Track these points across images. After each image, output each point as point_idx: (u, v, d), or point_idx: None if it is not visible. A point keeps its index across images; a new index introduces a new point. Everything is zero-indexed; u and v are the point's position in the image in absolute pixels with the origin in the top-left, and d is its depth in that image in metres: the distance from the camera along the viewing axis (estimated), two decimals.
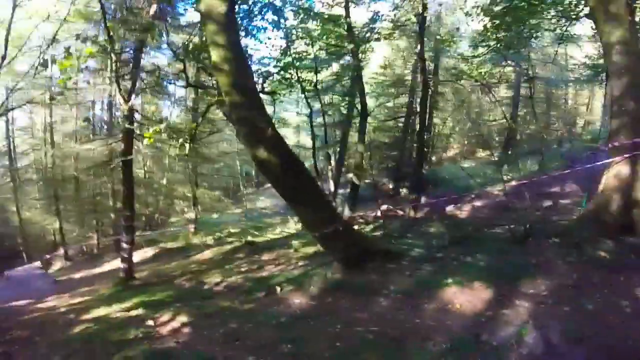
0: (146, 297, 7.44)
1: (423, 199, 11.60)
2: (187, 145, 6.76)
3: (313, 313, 4.70)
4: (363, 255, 5.62)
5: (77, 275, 14.05)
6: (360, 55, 11.98)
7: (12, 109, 16.32)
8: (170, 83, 13.30)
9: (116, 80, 9.62)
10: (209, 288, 7.39)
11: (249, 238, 11.77)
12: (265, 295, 5.83)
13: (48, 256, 20.33)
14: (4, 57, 10.97)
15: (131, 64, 9.81)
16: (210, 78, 8.53)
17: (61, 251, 20.47)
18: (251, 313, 5.24)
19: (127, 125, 9.16)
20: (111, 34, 8.09)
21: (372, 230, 8.41)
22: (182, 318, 5.69)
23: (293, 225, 12.60)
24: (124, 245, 9.35)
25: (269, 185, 34.55)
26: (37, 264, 16.86)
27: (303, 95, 12.08)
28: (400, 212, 10.78)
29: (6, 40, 10.51)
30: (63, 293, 10.18)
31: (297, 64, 11.06)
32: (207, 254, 11.42)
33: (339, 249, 5.70)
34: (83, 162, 19.50)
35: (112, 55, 8.89)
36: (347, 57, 13.55)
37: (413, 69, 18.74)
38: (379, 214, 10.62)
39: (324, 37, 11.81)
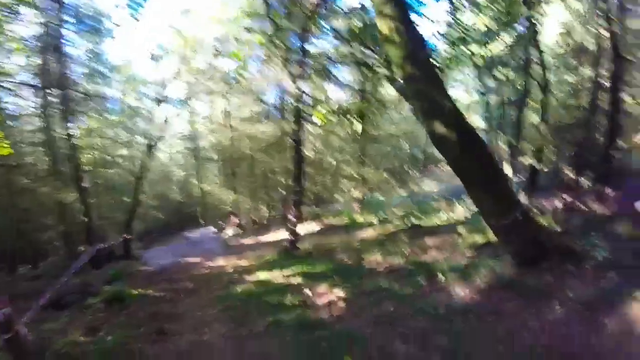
0: (307, 268, 9.36)
1: (611, 192, 9.87)
2: (357, 124, 7.61)
3: (476, 309, 5.16)
4: (540, 252, 5.40)
5: (245, 242, 17.30)
6: (534, 21, 11.04)
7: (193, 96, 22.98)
8: (335, 68, 15.09)
9: (285, 65, 11.69)
10: (369, 267, 8.59)
11: (414, 221, 12.12)
12: (426, 281, 6.53)
13: (222, 223, 24.97)
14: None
15: (298, 50, 11.51)
16: (376, 57, 9.18)
17: (235, 220, 26.30)
18: (409, 298, 6.08)
19: (297, 105, 10.77)
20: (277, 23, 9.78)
21: (548, 225, 7.69)
22: (339, 292, 6.97)
23: (460, 212, 12.36)
24: (291, 218, 11.29)
25: (434, 168, 34.48)
26: (212, 229, 21.27)
27: (473, 72, 11.44)
28: (583, 206, 9.42)
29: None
30: (232, 256, 12.85)
31: (465, 37, 10.73)
32: (370, 233, 12.94)
33: (515, 242, 5.65)
34: (257, 142, 24.71)
35: (280, 43, 10.58)
36: (521, 27, 12.56)
37: (597, 34, 15.57)
38: (559, 205, 9.60)
39: (494, 4, 11.04)
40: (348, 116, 18.42)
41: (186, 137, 31.71)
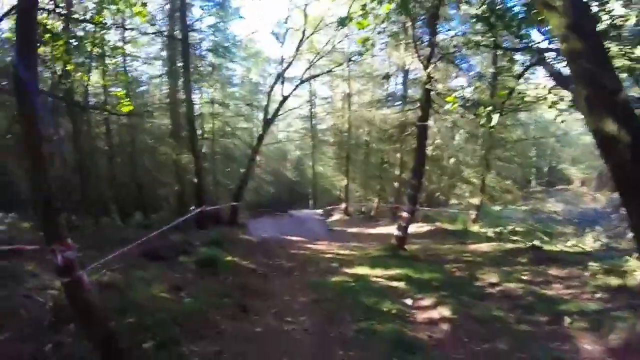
0: (412, 272, 8.23)
1: None
2: (494, 117, 6.16)
3: None
4: None
5: (350, 230, 16.57)
6: None
7: (313, 77, 22.52)
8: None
9: (414, 44, 10.63)
10: (481, 286, 7.40)
11: (535, 242, 10.36)
12: (548, 322, 5.40)
13: (330, 208, 24.60)
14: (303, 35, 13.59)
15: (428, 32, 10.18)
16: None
17: (342, 206, 26.07)
18: (526, 337, 4.90)
19: (427, 87, 9.43)
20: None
21: None
22: (444, 311, 5.88)
23: (590, 242, 10.38)
24: (404, 214, 10.37)
25: (561, 187, 30.33)
26: (318, 211, 20.91)
27: None
28: None
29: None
30: (334, 241, 12.08)
31: None
32: (484, 246, 11.47)
33: None
34: (375, 129, 24.19)
35: (408, 18, 9.24)
36: None
37: None
38: None
39: None
40: (477, 111, 16.51)
41: (304, 118, 31.97)
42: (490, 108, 7.05)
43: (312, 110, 30.73)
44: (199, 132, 22.59)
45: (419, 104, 11.90)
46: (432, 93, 10.86)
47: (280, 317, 5.48)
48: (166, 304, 5.45)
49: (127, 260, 9.76)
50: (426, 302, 6.27)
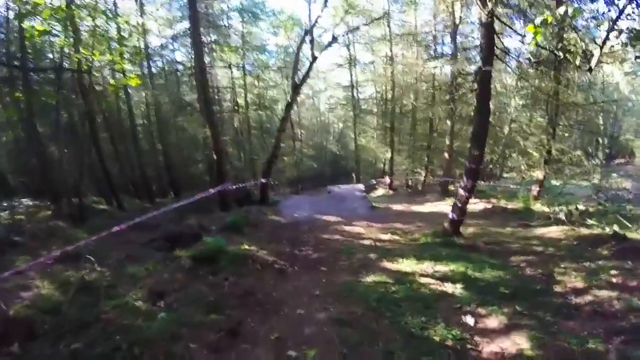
0: (470, 269, 6.27)
1: None
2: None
3: None
4: None
5: (395, 207, 14.86)
6: None
7: (347, 32, 21.50)
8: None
9: None
10: (563, 294, 5.32)
11: (616, 228, 8.29)
12: None
13: (374, 181, 23.17)
14: None
15: None
16: None
17: (387, 180, 24.26)
18: None
19: (492, 37, 7.18)
20: None
21: None
22: (520, 339, 4.01)
23: None
24: (461, 192, 8.42)
25: (621, 160, 26.57)
26: (361, 186, 19.14)
27: None
28: None
29: None
30: (375, 222, 10.67)
31: None
32: (554, 231, 9.23)
33: None
34: (423, 94, 22.29)
35: None
36: None
37: None
38: None
39: None
40: (542, 67, 14.04)
41: (346, 87, 29.77)
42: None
43: (353, 78, 28.36)
44: (227, 104, 21.24)
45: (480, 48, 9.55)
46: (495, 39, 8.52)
47: (280, 349, 3.76)
48: (133, 321, 4.07)
49: (133, 248, 8.46)
50: (493, 321, 4.37)
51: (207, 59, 18.78)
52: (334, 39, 15.19)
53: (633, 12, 5.91)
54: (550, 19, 5.12)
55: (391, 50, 23.24)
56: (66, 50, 10.54)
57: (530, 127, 19.09)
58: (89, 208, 13.97)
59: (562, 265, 6.46)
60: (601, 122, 20.75)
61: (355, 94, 28.78)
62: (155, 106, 20.45)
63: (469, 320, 4.39)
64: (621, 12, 5.73)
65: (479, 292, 5.22)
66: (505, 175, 23.32)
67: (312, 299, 5.05)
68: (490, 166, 21.70)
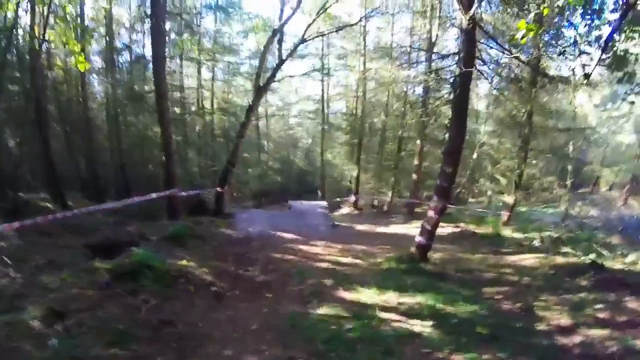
0: (441, 302, 5.47)
1: None
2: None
3: None
4: None
5: (358, 227, 13.86)
6: None
7: (317, 36, 18.44)
8: None
9: None
10: (548, 333, 4.64)
11: (592, 257, 8.14)
12: None
13: (338, 199, 22.44)
14: None
15: None
16: None
17: (352, 199, 23.15)
18: None
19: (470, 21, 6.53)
20: None
21: None
22: None
23: None
24: (430, 213, 7.46)
25: (585, 189, 27.03)
26: (324, 203, 18.24)
27: None
28: None
29: None
30: (335, 242, 9.60)
31: None
32: (528, 259, 8.69)
33: None
34: (394, 111, 21.70)
35: None
36: None
37: None
38: None
39: None
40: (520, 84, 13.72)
41: (315, 101, 29.15)
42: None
43: (325, 90, 27.64)
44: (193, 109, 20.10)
45: (458, 57, 8.87)
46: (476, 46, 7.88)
47: None
48: (21, 344, 3.24)
49: (61, 253, 7.37)
50: None
51: (171, 53, 17.78)
52: (303, 40, 14.28)
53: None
54: (547, 11, 4.47)
55: (364, 65, 22.73)
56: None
57: (499, 151, 18.86)
58: (26, 203, 12.55)
59: (541, 298, 5.87)
60: (571, 149, 20.65)
61: (325, 107, 28.11)
62: (114, 101, 19.13)
63: None
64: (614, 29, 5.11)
65: (452, 331, 4.39)
66: (471, 200, 23.06)
67: (247, 334, 4.05)
68: (458, 190, 21.34)
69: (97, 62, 20.43)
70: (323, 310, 4.83)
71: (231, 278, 6.12)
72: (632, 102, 7.08)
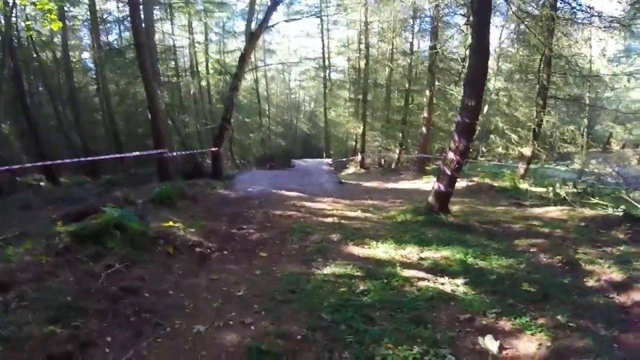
0: (471, 256, 4.55)
1: None
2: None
3: None
4: None
5: (366, 184, 12.83)
6: None
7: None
8: None
9: None
10: (601, 291, 3.84)
11: (625, 208, 7.39)
12: None
13: (344, 159, 21.18)
14: None
15: None
16: None
17: (358, 158, 22.12)
18: None
19: None
20: None
21: None
22: None
23: None
24: (451, 155, 6.45)
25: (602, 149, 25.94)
26: (329, 160, 17.26)
27: None
28: None
29: None
30: (342, 199, 8.70)
31: None
32: (553, 211, 7.77)
33: None
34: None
35: None
36: None
37: None
38: None
39: None
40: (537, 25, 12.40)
41: (316, 59, 27.74)
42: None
43: (325, 48, 25.95)
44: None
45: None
46: None
47: None
48: None
49: (37, 224, 6.49)
50: (529, 344, 2.66)
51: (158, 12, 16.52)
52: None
53: None
54: None
55: (366, 17, 21.14)
56: None
57: (513, 101, 17.70)
58: (13, 181, 11.76)
59: (581, 251, 5.01)
60: (587, 101, 19.33)
61: (326, 63, 26.60)
62: (102, 70, 17.95)
63: (491, 344, 2.56)
64: None
65: (493, 290, 3.49)
66: (480, 158, 22.02)
67: (229, 303, 3.14)
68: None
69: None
70: (329, 270, 3.90)
71: (222, 238, 5.19)
72: None
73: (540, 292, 3.50)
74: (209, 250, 4.67)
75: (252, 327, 2.68)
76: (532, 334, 2.76)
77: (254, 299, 3.18)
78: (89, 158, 11.68)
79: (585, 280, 4.08)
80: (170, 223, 5.24)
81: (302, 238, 5.17)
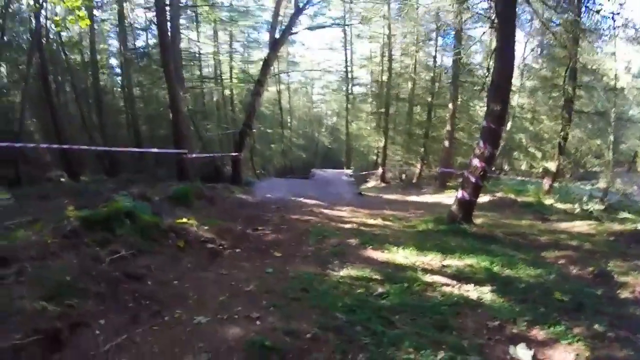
0: (497, 264, 4.27)
1: None
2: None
3: None
4: None
5: (387, 197, 12.45)
6: None
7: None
8: None
9: None
10: (637, 302, 3.56)
11: None
12: None
13: (364, 172, 20.93)
14: None
15: None
16: None
17: (379, 171, 21.82)
18: None
19: None
20: None
21: None
22: None
23: None
24: (475, 162, 6.14)
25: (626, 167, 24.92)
26: (349, 171, 17.09)
27: None
28: None
29: None
30: (362, 208, 8.35)
31: None
32: (581, 226, 7.55)
33: None
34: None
35: None
36: None
37: None
38: None
39: None
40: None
41: (338, 72, 27.54)
42: None
43: (348, 61, 26.17)
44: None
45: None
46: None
47: None
48: None
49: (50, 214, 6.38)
50: (561, 353, 2.42)
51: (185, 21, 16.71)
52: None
53: None
54: None
55: (389, 30, 21.08)
56: None
57: (537, 115, 17.30)
58: (28, 174, 11.91)
59: (611, 264, 4.75)
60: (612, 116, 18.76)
61: (349, 76, 26.59)
62: (127, 72, 18.26)
63: (523, 353, 2.27)
64: None
65: (523, 299, 3.19)
66: (503, 176, 21.55)
67: (236, 297, 2.90)
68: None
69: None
70: (346, 272, 3.65)
71: (236, 237, 4.99)
72: None
73: (573, 301, 3.22)
74: (221, 247, 4.47)
75: (258, 322, 2.43)
76: (568, 344, 2.48)
77: (263, 295, 2.94)
78: (109, 148, 11.82)
79: (619, 292, 3.85)
80: (185, 220, 5.07)
81: (319, 241, 4.93)
